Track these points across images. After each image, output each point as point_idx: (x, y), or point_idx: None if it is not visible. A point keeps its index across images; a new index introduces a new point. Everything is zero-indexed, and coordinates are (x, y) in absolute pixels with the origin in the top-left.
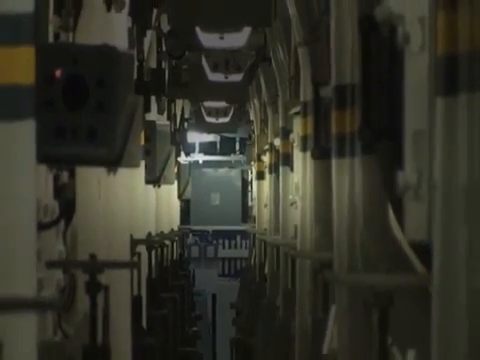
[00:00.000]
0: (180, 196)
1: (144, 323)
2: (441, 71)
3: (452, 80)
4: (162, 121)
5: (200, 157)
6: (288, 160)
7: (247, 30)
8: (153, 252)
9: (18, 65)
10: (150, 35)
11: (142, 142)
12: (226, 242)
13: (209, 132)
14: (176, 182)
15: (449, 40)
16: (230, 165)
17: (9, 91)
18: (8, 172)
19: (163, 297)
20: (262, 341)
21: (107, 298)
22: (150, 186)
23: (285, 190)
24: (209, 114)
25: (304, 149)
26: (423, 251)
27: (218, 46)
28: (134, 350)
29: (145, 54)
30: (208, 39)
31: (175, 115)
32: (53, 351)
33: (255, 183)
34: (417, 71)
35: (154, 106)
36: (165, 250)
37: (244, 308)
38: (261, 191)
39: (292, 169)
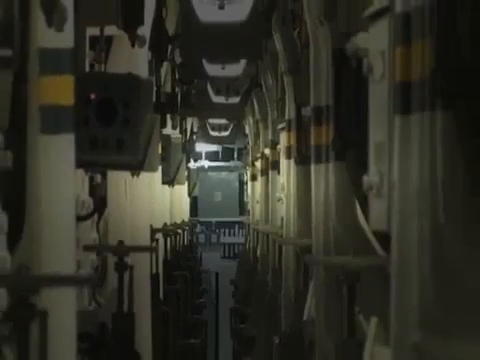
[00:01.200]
0: (190, 194)
1: (161, 295)
2: (398, 95)
3: (406, 102)
4: (175, 134)
5: (206, 163)
6: (276, 165)
7: (243, 62)
8: (168, 239)
9: (61, 90)
10: (166, 66)
11: (159, 151)
12: (226, 231)
13: (213, 143)
14: (186, 183)
15: (404, 70)
16: (230, 169)
17: (54, 110)
18: (52, 175)
19: (176, 275)
20: (255, 310)
21: (132, 275)
22: (166, 186)
23: (273, 189)
24: (213, 129)
25: (288, 157)
26: (383, 238)
27: (220, 75)
28: (153, 317)
29: (162, 81)
30: (212, 69)
31: (186, 129)
32: (89, 318)
33: (249, 184)
34: (379, 95)
35: (169, 122)
36: (178, 237)
37: (241, 284)
38: (254, 190)
39: (279, 172)
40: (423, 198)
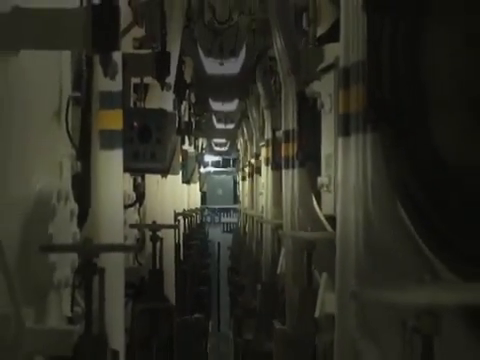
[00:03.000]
0: (201, 189)
1: (181, 257)
2: (340, 122)
3: (346, 127)
4: (191, 149)
5: (211, 169)
6: (258, 170)
7: (236, 101)
8: (186, 219)
9: (113, 119)
10: (184, 103)
11: (180, 160)
12: (225, 214)
13: (216, 155)
14: (198, 182)
15: (345, 105)
16: (227, 173)
17: (109, 133)
18: (108, 177)
19: (191, 244)
20: (244, 267)
21: (161, 245)
22: (184, 184)
23: (257, 186)
24: (216, 145)
25: (267, 164)
26: (331, 220)
27: (220, 109)
28: (176, 272)
29: (182, 113)
30: (215, 105)
31: (198, 146)
32: (133, 273)
33: (241, 183)
34: (328, 122)
35: (186, 141)
36: (192, 218)
37: (235, 250)
38: (244, 187)
39: (260, 175)
40: (358, 193)
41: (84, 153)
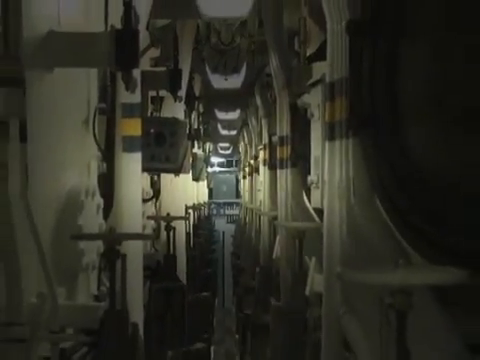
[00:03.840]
0: (208, 186)
1: (191, 244)
2: (326, 129)
3: (332, 133)
4: (199, 152)
5: (217, 169)
6: (257, 170)
7: (238, 111)
8: (195, 212)
9: (134, 126)
10: (194, 113)
11: (190, 162)
12: (229, 207)
13: (221, 157)
14: (206, 180)
15: (330, 115)
16: (230, 172)
17: (129, 138)
18: (129, 176)
19: (200, 233)
20: (245, 252)
21: (174, 233)
22: (194, 182)
23: (255, 184)
24: (221, 149)
25: (264, 165)
26: (319, 212)
27: (225, 118)
28: (187, 257)
29: (192, 121)
30: (220, 115)
31: (205, 149)
32: (150, 257)
33: (242, 181)
34: (316, 129)
35: (196, 145)
36: (201, 211)
37: (237, 238)
38: (244, 184)
39: (259, 174)
40: (341, 189)
41: (108, 155)
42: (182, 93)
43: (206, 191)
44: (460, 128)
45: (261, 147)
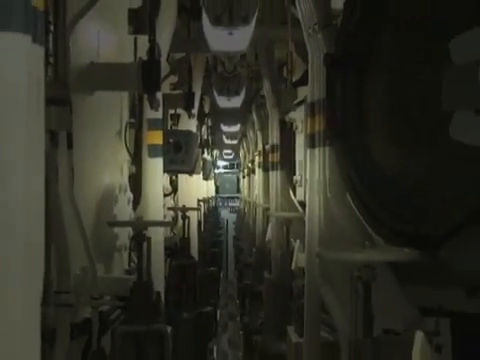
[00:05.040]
0: (215, 184)
1: (202, 229)
2: (308, 139)
3: (312, 142)
4: (208, 157)
5: (222, 170)
6: (254, 171)
7: (238, 125)
8: (205, 204)
9: (157, 137)
10: (204, 127)
11: (201, 165)
12: (231, 200)
13: (225, 161)
14: (213, 179)
15: (311, 127)
16: (233, 173)
17: (154, 147)
18: (154, 176)
19: (208, 220)
20: (244, 236)
21: (189, 221)
22: (204, 180)
23: (252, 182)
24: (225, 154)
25: (259, 167)
26: (302, 204)
27: (228, 130)
28: (198, 239)
29: (202, 133)
30: (225, 128)
31: (213, 155)
32: (169, 240)
33: (242, 180)
34: (300, 139)
35: (205, 152)
36: (209, 203)
37: (238, 224)
38: (244, 182)
39: (255, 174)
40: (320, 186)
41: (137, 160)
42: (195, 111)
43: (213, 188)
44: (409, 138)
45: (256, 153)
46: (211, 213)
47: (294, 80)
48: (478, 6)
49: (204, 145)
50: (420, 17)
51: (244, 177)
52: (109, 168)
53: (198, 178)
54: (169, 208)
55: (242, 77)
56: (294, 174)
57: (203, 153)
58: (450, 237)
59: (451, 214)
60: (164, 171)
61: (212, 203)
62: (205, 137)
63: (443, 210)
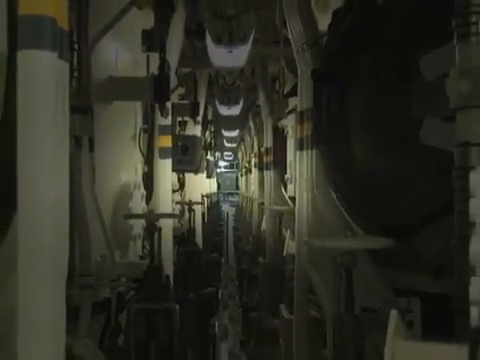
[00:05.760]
0: (217, 181)
1: (206, 221)
2: (297, 142)
3: (301, 145)
4: (211, 159)
5: (223, 169)
6: (250, 170)
7: (237, 130)
8: (208, 199)
9: (166, 141)
10: (207, 132)
11: (205, 165)
12: (231, 196)
13: (226, 162)
14: (215, 177)
15: (300, 133)
16: (232, 172)
17: (164, 149)
18: (164, 175)
19: (211, 213)
20: (242, 226)
21: (194, 214)
22: (207, 178)
23: (249, 180)
24: (226, 156)
25: (255, 167)
26: (293, 199)
27: (229, 135)
28: (202, 229)
29: (206, 137)
30: (226, 133)
31: (215, 156)
32: (177, 230)
33: (240, 178)
34: (291, 143)
35: (209, 153)
36: (212, 198)
37: (237, 216)
38: (242, 180)
39: (251, 173)
40: (307, 184)
41: (149, 161)
42: (199, 118)
43: (215, 185)
44: (384, 143)
45: (253, 155)
46: (213, 207)
47: (285, 92)
48: (442, 29)
49: (207, 148)
50: (391, 39)
51: (242, 176)
52: (125, 168)
53: (202, 176)
54: (177, 202)
55: (240, 89)
56: (285, 173)
57: (206, 154)
58: (419, 229)
59: (420, 209)
60: (173, 170)
61: (214, 198)
62: (208, 141)
63: (413, 206)
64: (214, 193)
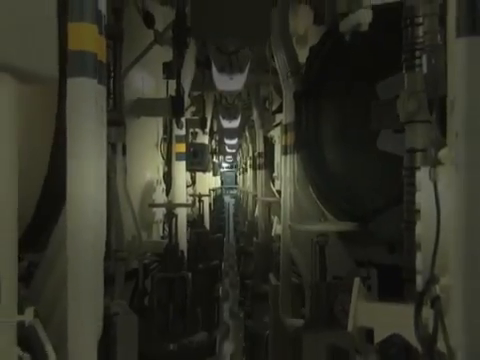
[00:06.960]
0: (220, 178)
1: (212, 208)
2: (282, 149)
3: (285, 150)
4: (216, 160)
5: (225, 169)
6: (246, 170)
7: (236, 139)
8: (214, 192)
9: (182, 147)
10: (213, 141)
11: (211, 166)
12: (231, 190)
13: (227, 163)
14: (219, 175)
15: (285, 141)
16: (232, 171)
17: (179, 154)
18: (180, 173)
19: (216, 203)
20: (240, 213)
21: (203, 204)
22: (213, 176)
23: (246, 178)
24: (227, 159)
25: (250, 167)
26: (279, 193)
27: (230, 143)
28: (210, 215)
29: (212, 145)
30: (227, 141)
31: (219, 159)
32: (190, 216)
33: (239, 176)
34: (278, 149)
35: (214, 157)
36: (216, 191)
37: (236, 206)
38: (240, 178)
39: (247, 172)
40: (290, 180)
41: (168, 162)
42: (207, 130)
43: (219, 181)
44: (349, 147)
45: (248, 158)
46: (218, 198)
47: (273, 109)
48: (393, 61)
49: (213, 152)
50: (355, 69)
51: (240, 174)
52: (149, 168)
53: (209, 175)
54: (190, 195)
55: (239, 107)
56: (273, 172)
57: (212, 158)
58: (376, 214)
59: (376, 199)
60: (186, 170)
61: (218, 192)
62: (214, 147)
63: (371, 196)
64: (218, 188)
